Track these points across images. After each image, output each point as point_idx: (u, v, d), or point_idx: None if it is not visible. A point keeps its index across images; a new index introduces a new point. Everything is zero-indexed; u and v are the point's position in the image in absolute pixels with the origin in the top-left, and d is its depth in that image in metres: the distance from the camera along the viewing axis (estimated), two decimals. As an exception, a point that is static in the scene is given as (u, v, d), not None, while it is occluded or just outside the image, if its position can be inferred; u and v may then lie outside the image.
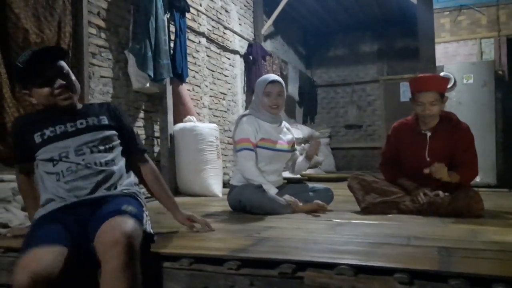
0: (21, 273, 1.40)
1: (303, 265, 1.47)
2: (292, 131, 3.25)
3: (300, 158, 3.19)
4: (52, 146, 1.84)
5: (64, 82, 1.88)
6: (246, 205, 2.83)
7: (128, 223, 1.55)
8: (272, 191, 2.87)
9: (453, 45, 6.97)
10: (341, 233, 2.08)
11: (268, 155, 2.98)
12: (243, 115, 3.06)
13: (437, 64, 6.66)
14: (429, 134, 2.81)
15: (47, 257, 1.47)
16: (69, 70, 1.93)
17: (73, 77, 1.94)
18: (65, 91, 1.88)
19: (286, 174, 3.38)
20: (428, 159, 2.79)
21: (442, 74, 6.65)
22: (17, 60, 1.86)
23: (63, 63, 1.91)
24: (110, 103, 2.11)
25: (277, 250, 1.69)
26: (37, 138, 1.86)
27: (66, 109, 1.91)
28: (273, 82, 2.99)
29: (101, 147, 1.89)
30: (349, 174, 3.07)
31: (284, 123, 3.20)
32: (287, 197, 2.87)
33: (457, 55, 6.94)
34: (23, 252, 1.52)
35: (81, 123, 1.91)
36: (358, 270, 1.39)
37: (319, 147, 3.13)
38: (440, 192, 2.69)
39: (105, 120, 1.95)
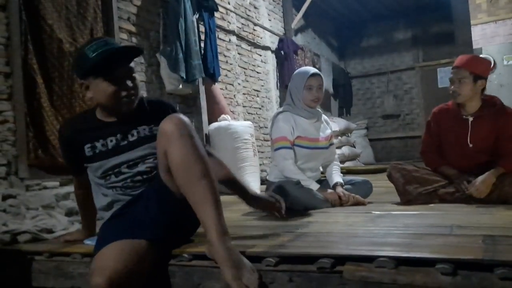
0: (100, 274, 1.40)
1: (342, 259, 1.44)
2: (330, 125, 3.17)
3: (334, 173, 3.03)
4: (103, 162, 1.79)
5: (132, 85, 1.77)
6: (285, 201, 2.80)
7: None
8: (313, 186, 2.83)
9: (491, 25, 6.70)
10: (381, 225, 2.03)
11: (305, 153, 2.92)
12: (279, 113, 3.01)
13: (475, 46, 6.45)
14: (471, 119, 2.69)
15: (126, 252, 1.50)
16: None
17: (138, 81, 1.84)
18: (131, 95, 1.77)
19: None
20: (470, 145, 2.68)
21: (481, 56, 6.43)
22: (86, 46, 1.73)
23: (133, 65, 1.81)
24: (167, 105, 1.95)
25: (316, 245, 1.67)
26: (88, 151, 1.80)
27: (121, 113, 1.81)
28: (314, 75, 2.91)
29: (150, 159, 1.82)
30: (389, 165, 2.98)
31: (324, 117, 3.13)
32: (329, 191, 2.84)
33: (496, 36, 6.67)
34: (98, 250, 1.55)
35: (132, 135, 1.82)
36: (399, 262, 1.35)
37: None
38: None
39: (157, 130, 1.67)
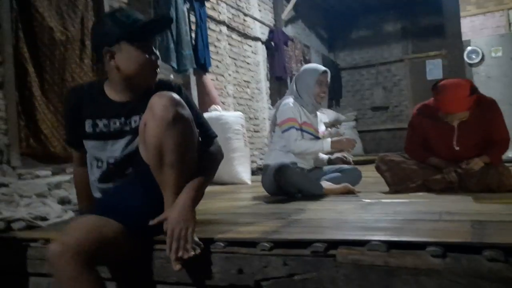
0: (58, 241, 1.36)
1: (335, 243, 1.47)
2: (321, 119, 3.30)
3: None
4: (101, 143, 1.68)
5: (159, 56, 1.68)
6: (280, 182, 2.82)
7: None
8: (326, 144, 2.93)
9: (480, 18, 6.77)
10: (372, 212, 2.07)
11: (310, 140, 3.02)
12: (286, 98, 3.09)
13: (464, 38, 6.50)
14: (457, 123, 2.64)
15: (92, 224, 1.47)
16: None
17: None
18: (157, 67, 1.67)
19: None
20: (457, 148, 2.67)
21: (469, 48, 6.49)
22: (114, 13, 1.64)
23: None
24: (173, 86, 1.74)
25: (309, 231, 1.70)
26: (88, 127, 1.68)
27: (145, 87, 1.67)
28: (325, 72, 3.07)
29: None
30: (377, 156, 3.03)
31: (318, 113, 3.23)
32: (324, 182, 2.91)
33: (484, 28, 6.74)
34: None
35: (135, 121, 1.66)
36: (390, 245, 1.39)
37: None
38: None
39: None
